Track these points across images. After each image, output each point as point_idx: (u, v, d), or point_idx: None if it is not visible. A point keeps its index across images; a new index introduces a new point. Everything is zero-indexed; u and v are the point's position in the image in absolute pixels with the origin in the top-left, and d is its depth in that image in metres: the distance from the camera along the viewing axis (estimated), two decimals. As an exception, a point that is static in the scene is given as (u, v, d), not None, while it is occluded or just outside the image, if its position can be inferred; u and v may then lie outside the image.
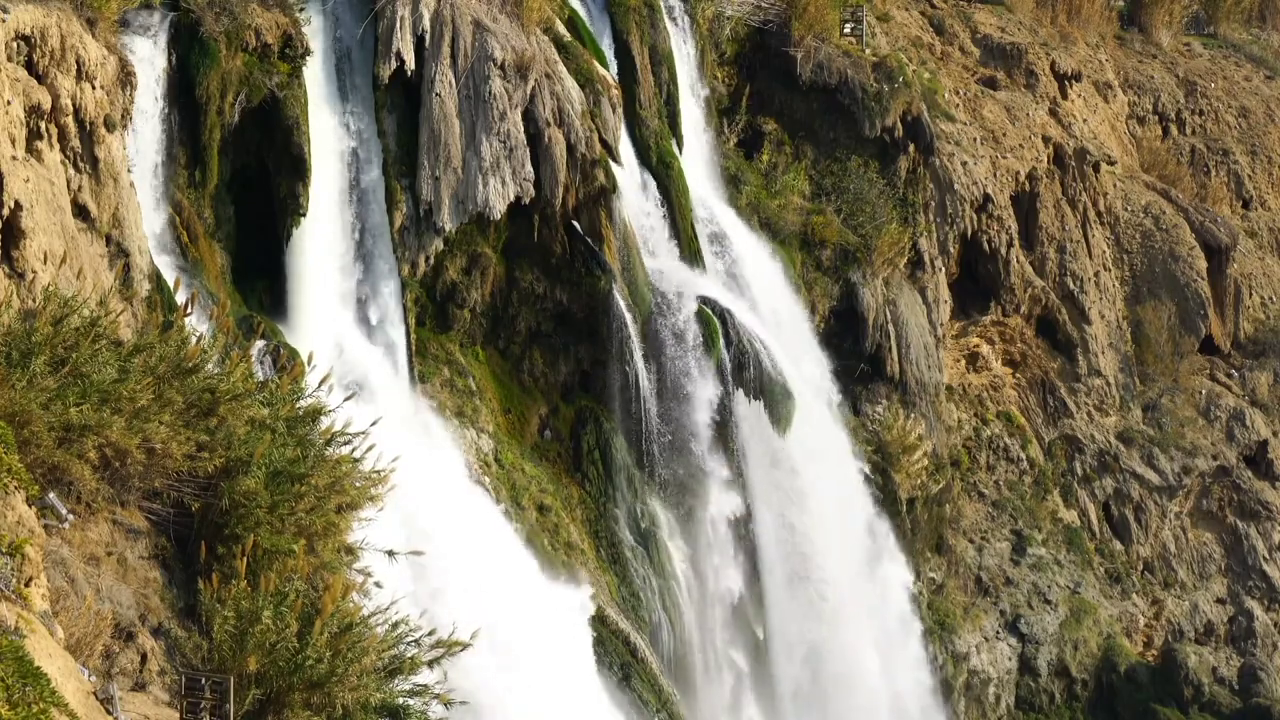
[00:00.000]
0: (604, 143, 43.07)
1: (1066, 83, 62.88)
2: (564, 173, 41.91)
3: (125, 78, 33.80)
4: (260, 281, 38.70)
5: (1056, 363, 58.35)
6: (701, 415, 44.10)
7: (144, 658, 19.23)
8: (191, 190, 37.17)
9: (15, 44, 30.49)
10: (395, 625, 20.44)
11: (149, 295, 32.98)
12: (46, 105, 30.78)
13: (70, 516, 19.52)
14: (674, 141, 47.43)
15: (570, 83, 42.71)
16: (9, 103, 29.40)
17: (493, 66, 41.01)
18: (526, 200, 41.57)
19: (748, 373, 44.77)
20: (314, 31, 39.67)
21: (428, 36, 40.76)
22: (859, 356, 51.05)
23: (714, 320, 44.54)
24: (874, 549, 49.19)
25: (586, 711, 37.65)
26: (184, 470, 21.05)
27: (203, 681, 18.47)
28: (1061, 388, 58.17)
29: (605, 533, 43.10)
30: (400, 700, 20.15)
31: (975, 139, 56.44)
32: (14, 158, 29.06)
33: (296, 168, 38.25)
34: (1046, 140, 59.08)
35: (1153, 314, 60.65)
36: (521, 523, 40.77)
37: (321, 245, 39.25)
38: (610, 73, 45.29)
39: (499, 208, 41.04)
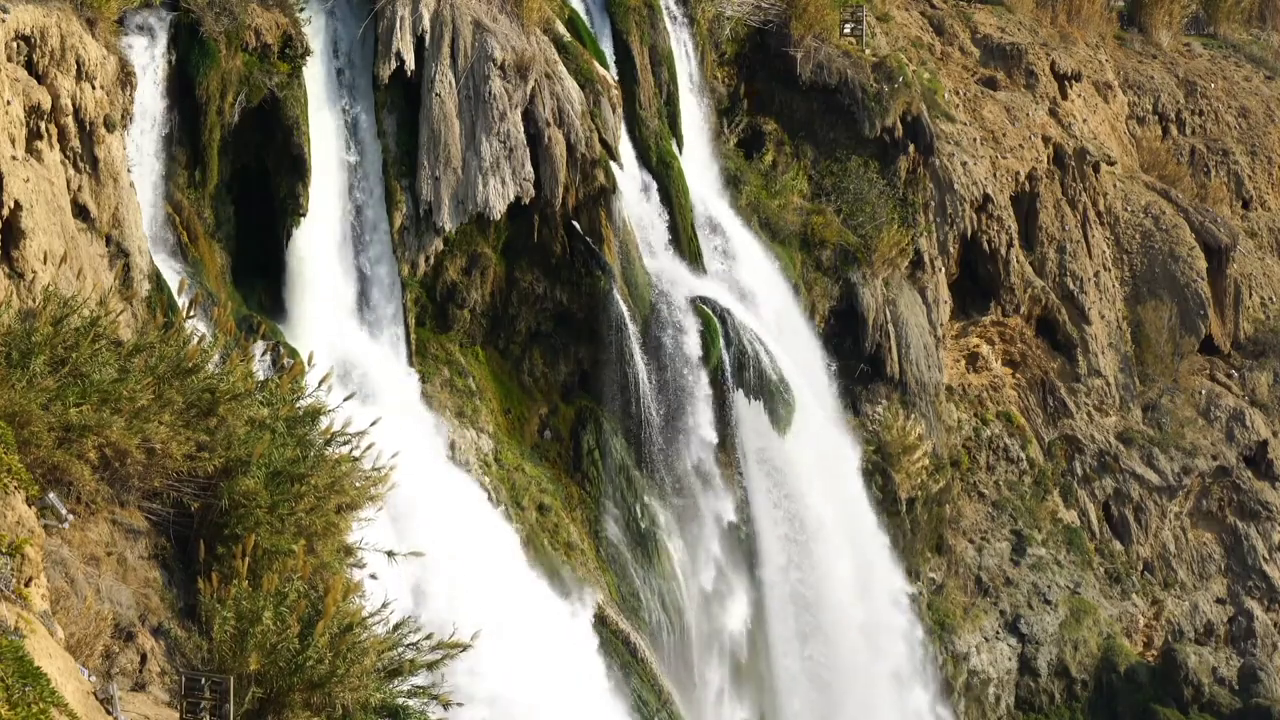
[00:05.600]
0: (604, 143, 43.06)
1: (1066, 83, 62.87)
2: (564, 173, 41.91)
3: (125, 78, 33.79)
4: (260, 281, 38.68)
5: (1056, 363, 58.35)
6: (701, 415, 44.09)
7: (144, 658, 19.23)
8: (191, 190, 37.15)
9: (15, 44, 30.49)
10: (395, 626, 20.44)
11: (149, 295, 32.98)
12: (46, 105, 30.78)
13: (70, 516, 19.52)
14: (674, 141, 47.42)
15: (570, 83, 42.70)
16: (9, 103, 29.40)
17: (493, 66, 41.00)
18: (526, 200, 41.56)
19: (748, 373, 44.75)
20: (314, 31, 39.65)
21: (428, 36, 40.75)
22: (859, 356, 51.03)
23: (714, 320, 44.53)
24: (873, 549, 49.17)
25: (587, 712, 37.66)
26: (184, 470, 21.04)
27: (203, 681, 18.47)
28: (1061, 388, 58.17)
29: (605, 533, 43.10)
30: (400, 701, 20.15)
31: (975, 139, 56.43)
32: (14, 158, 29.06)
33: (296, 168, 38.24)
34: (1046, 140, 59.08)
35: (1153, 314, 60.65)
36: (521, 523, 40.77)
37: (321, 245, 39.23)
38: (610, 73, 45.28)
39: (499, 208, 41.04)
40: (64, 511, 19.31)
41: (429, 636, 20.55)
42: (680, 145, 47.74)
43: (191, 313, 24.12)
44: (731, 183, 50.74)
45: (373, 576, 22.53)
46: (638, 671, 40.82)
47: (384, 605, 20.71)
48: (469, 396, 41.78)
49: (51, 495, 19.18)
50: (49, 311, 21.02)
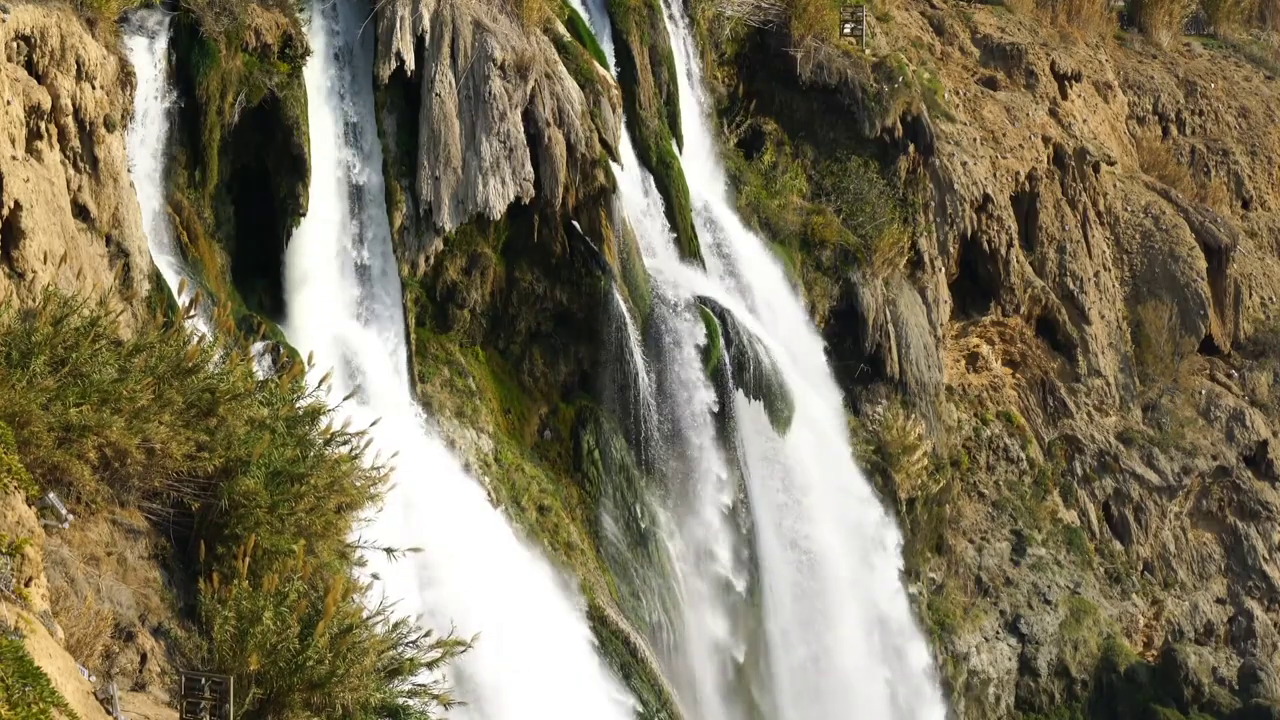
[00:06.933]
0: (604, 143, 43.06)
1: (1066, 83, 62.87)
2: (564, 173, 41.90)
3: (125, 78, 33.79)
4: (260, 281, 38.68)
5: (1056, 363, 58.35)
6: (701, 415, 44.08)
7: (144, 658, 19.23)
8: (191, 190, 37.15)
9: (15, 44, 30.49)
10: (395, 626, 20.43)
11: (149, 295, 32.98)
12: (46, 105, 30.78)
13: (70, 516, 19.52)
14: (674, 141, 47.42)
15: (570, 83, 42.71)
16: (9, 103, 29.40)
17: (493, 66, 41.00)
18: (526, 200, 41.56)
19: (747, 373, 44.76)
20: (314, 31, 39.65)
21: (428, 36, 40.75)
22: (859, 356, 51.04)
23: (713, 320, 44.53)
24: (873, 550, 49.17)
25: (587, 712, 37.66)
26: (184, 470, 21.03)
27: (203, 681, 18.47)
28: (1061, 388, 58.17)
29: (605, 533, 43.10)
30: (400, 700, 20.15)
31: (975, 139, 56.44)
32: (14, 158, 29.06)
33: (296, 168, 38.24)
34: (1046, 140, 59.08)
35: (1153, 314, 60.66)
36: (521, 523, 40.76)
37: (321, 245, 39.24)
38: (610, 73, 45.29)
39: (499, 208, 41.03)
40: (64, 511, 19.32)
41: (428, 634, 20.55)
42: (680, 145, 47.74)
43: (191, 313, 24.10)
44: (731, 182, 50.75)
45: (375, 577, 22.54)
46: (638, 671, 40.81)
47: (385, 606, 20.70)
48: (469, 396, 41.78)
49: (51, 495, 19.18)
50: (49, 311, 21.01)
